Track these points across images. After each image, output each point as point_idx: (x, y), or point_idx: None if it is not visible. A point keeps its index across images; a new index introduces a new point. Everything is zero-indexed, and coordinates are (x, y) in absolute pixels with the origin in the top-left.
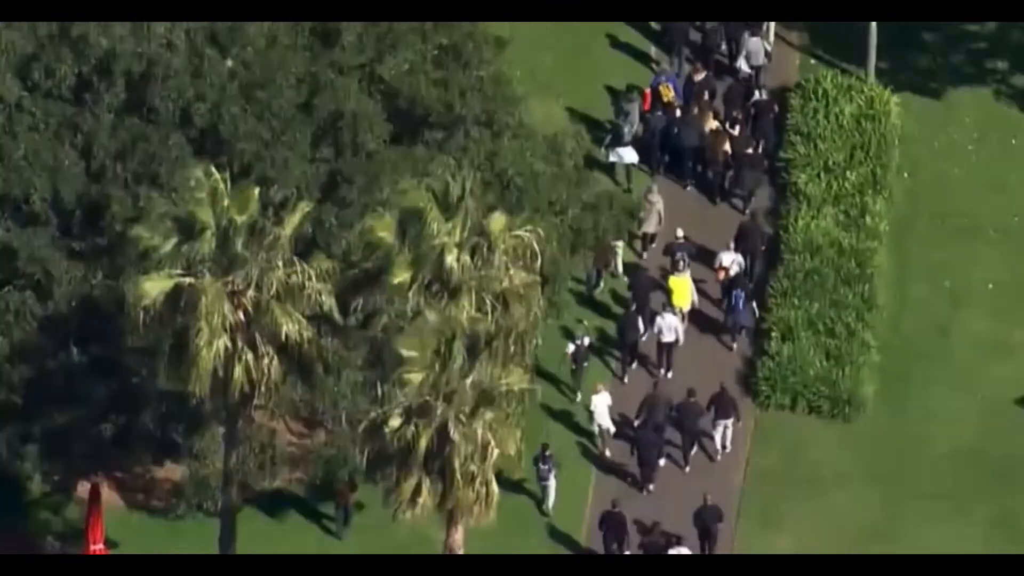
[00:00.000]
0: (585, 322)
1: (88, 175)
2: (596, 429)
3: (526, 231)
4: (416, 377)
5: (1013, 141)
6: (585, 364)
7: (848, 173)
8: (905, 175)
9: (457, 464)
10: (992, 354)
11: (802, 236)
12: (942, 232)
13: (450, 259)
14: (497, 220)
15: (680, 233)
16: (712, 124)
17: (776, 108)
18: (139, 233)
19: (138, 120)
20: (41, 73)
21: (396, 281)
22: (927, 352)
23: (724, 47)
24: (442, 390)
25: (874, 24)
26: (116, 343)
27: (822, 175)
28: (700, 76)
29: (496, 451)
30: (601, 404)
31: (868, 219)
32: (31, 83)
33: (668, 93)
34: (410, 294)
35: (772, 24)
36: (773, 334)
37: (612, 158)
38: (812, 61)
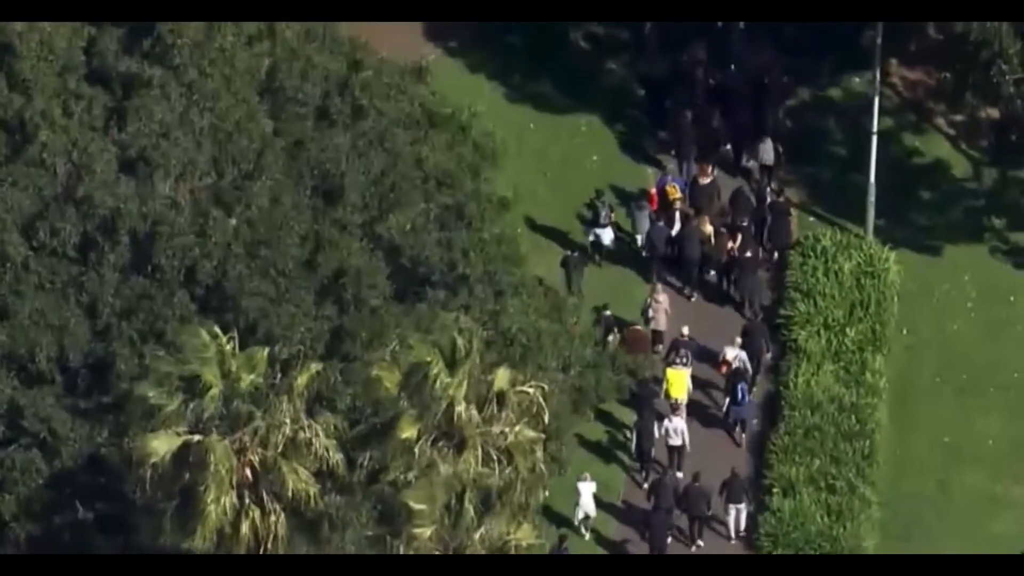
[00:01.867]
0: None
1: (93, 333)
2: (580, 515)
3: (531, 387)
4: (425, 531)
5: (1011, 298)
6: None
7: (848, 330)
8: (904, 332)
9: None
10: (992, 510)
11: (803, 392)
12: (941, 388)
13: (459, 410)
14: (502, 376)
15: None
16: (709, 228)
17: (792, 211)
18: (145, 391)
19: (143, 279)
20: (47, 232)
21: (403, 436)
22: (927, 508)
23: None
24: (451, 544)
25: (872, 182)
26: (123, 501)
27: (822, 332)
28: (706, 180)
29: None
30: (586, 491)
31: (868, 376)
32: (37, 242)
33: (675, 193)
34: (417, 448)
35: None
36: (775, 490)
37: (591, 238)
38: (811, 218)
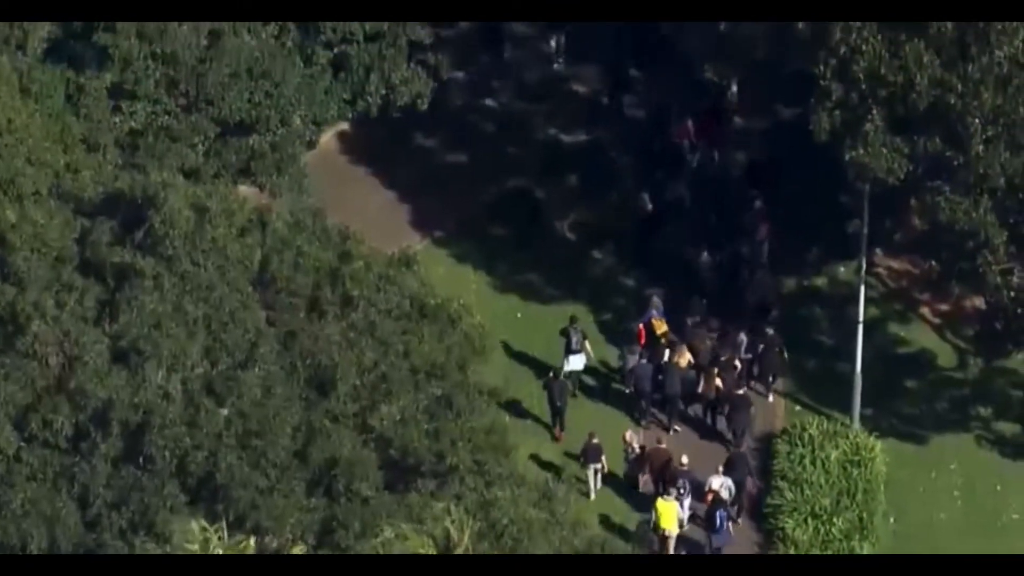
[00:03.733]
0: None
1: (84, 524)
2: None
3: None
4: None
5: (998, 487)
6: None
7: (835, 519)
8: (892, 520)
9: None
10: None
11: None
12: None
13: None
14: None
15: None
16: (686, 359)
17: (784, 348)
18: None
19: (134, 469)
20: (38, 424)
21: None
22: None
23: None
24: None
25: (858, 371)
26: None
27: (809, 521)
28: (694, 319)
29: None
30: None
31: None
32: (28, 434)
33: (661, 327)
34: None
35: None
36: None
37: (566, 366)
38: (797, 407)
